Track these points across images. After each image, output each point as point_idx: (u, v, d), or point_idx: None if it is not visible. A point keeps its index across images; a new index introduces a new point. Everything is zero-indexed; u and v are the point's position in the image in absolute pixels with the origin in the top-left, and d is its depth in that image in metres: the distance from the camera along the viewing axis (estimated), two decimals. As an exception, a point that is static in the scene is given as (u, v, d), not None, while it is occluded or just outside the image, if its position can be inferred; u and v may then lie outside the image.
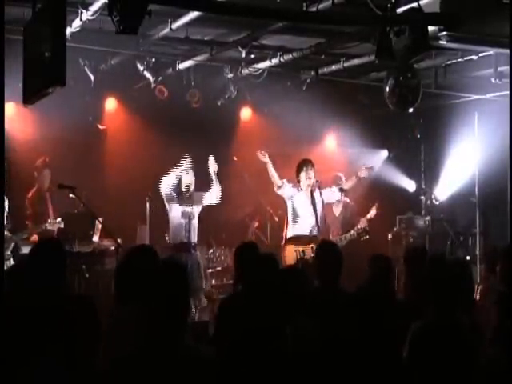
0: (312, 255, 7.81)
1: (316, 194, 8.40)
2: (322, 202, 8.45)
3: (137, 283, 3.84)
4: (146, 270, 3.84)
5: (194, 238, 7.96)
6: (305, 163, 8.41)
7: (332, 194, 8.68)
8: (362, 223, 8.64)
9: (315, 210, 8.31)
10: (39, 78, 4.79)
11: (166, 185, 7.89)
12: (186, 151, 8.01)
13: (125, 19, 4.61)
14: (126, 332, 3.63)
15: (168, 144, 9.20)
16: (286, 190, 8.39)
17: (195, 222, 7.95)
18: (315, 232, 8.27)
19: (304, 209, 8.35)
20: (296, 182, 8.43)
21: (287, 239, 8.38)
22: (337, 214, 9.41)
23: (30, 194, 8.50)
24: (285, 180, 8.38)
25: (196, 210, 7.98)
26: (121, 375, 3.05)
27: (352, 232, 8.53)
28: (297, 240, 8.30)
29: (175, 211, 7.91)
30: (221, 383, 3.22)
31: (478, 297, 5.61)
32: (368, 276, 5.10)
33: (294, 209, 8.42)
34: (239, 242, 6.05)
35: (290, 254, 8.17)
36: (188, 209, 7.90)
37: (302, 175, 8.36)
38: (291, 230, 8.39)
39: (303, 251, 8.21)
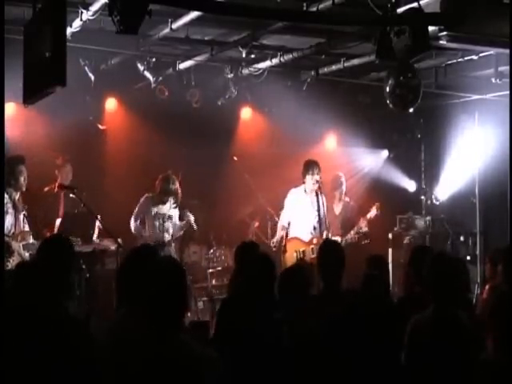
0: (312, 256, 7.87)
1: (320, 195, 8.38)
2: (324, 203, 8.42)
3: (138, 284, 3.85)
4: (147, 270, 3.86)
5: (169, 237, 8.17)
6: (311, 166, 8.37)
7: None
8: (362, 223, 8.67)
9: (319, 212, 8.27)
10: (39, 77, 4.80)
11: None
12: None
13: (125, 19, 4.62)
14: (127, 334, 3.63)
15: (168, 144, 9.20)
16: (287, 212, 8.52)
17: (169, 224, 8.17)
18: (317, 233, 8.27)
19: (308, 211, 8.36)
20: (302, 183, 8.47)
21: (288, 239, 8.39)
22: (336, 213, 9.42)
23: (48, 189, 8.30)
24: (282, 216, 8.54)
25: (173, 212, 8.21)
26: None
27: (352, 233, 8.58)
28: (297, 240, 8.31)
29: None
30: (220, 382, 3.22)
31: (484, 295, 5.63)
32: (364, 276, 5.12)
33: (297, 211, 8.45)
34: (239, 241, 6.06)
35: (291, 255, 8.17)
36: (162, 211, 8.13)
37: (308, 178, 8.36)
38: (293, 231, 8.42)
39: (303, 252, 8.23)
